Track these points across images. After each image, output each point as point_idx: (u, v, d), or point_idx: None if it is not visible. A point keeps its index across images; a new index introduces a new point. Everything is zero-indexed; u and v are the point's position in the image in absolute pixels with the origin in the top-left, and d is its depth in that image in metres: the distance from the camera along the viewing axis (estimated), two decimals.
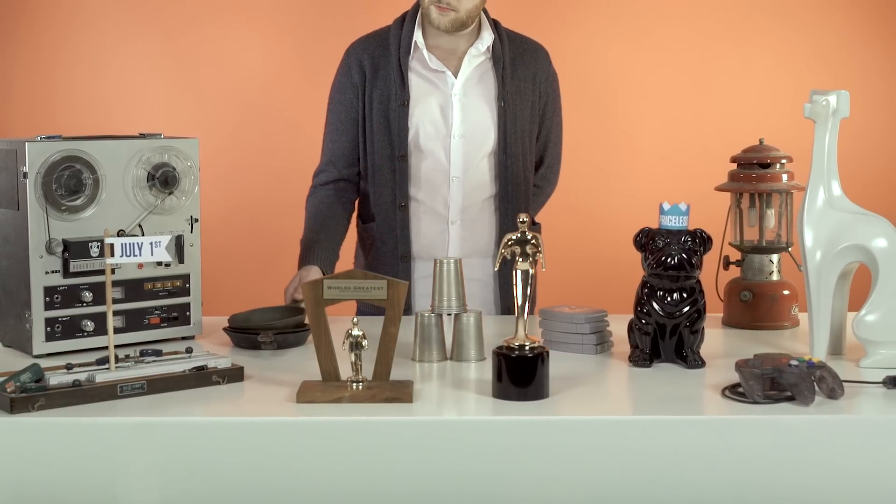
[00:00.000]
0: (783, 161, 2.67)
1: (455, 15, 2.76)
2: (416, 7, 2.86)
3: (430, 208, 2.88)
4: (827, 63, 4.41)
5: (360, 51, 2.89)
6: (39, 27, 4.42)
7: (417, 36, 2.84)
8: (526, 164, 2.90)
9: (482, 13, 2.86)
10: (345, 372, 2.06)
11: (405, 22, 2.86)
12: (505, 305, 2.91)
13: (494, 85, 2.86)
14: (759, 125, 3.96)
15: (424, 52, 2.84)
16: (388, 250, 2.89)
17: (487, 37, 2.85)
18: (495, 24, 2.90)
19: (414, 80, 2.85)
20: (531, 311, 2.48)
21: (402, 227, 2.87)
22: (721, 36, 4.43)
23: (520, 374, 2.00)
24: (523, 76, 2.89)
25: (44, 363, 2.08)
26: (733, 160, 2.71)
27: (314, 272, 2.73)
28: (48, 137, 2.33)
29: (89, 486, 1.86)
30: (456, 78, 2.85)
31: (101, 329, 2.34)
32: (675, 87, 4.44)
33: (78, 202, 2.33)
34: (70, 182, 2.31)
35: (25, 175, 2.27)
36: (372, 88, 2.86)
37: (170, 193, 2.43)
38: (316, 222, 2.88)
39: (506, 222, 2.86)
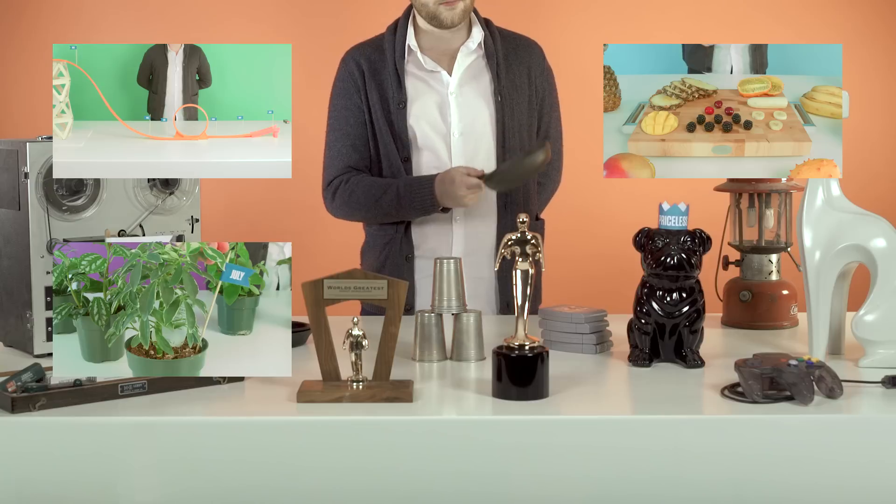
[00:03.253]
0: None
1: (463, 5, 2.79)
2: (408, 12, 2.89)
3: None
4: None
5: (358, 55, 2.90)
6: (40, 27, 4.42)
7: (411, 39, 2.86)
8: None
9: (472, 11, 2.88)
10: (345, 372, 2.06)
11: (398, 27, 2.89)
12: (504, 302, 2.90)
13: (490, 80, 2.87)
14: None
15: (419, 53, 2.86)
16: (395, 250, 2.89)
17: (478, 34, 2.87)
18: (486, 23, 2.91)
19: (410, 82, 2.86)
20: (532, 310, 2.47)
21: (405, 227, 2.88)
22: (720, 36, 4.43)
23: (520, 374, 2.01)
24: (518, 71, 2.90)
25: (45, 363, 2.08)
26: None
27: (459, 169, 2.73)
28: (49, 137, 2.33)
29: (90, 486, 1.86)
30: (451, 76, 2.86)
31: None
32: None
33: (79, 202, 2.34)
34: (71, 182, 2.32)
35: (26, 175, 2.28)
36: (370, 91, 2.87)
37: (170, 193, 2.43)
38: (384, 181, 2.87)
39: (509, 218, 2.86)
